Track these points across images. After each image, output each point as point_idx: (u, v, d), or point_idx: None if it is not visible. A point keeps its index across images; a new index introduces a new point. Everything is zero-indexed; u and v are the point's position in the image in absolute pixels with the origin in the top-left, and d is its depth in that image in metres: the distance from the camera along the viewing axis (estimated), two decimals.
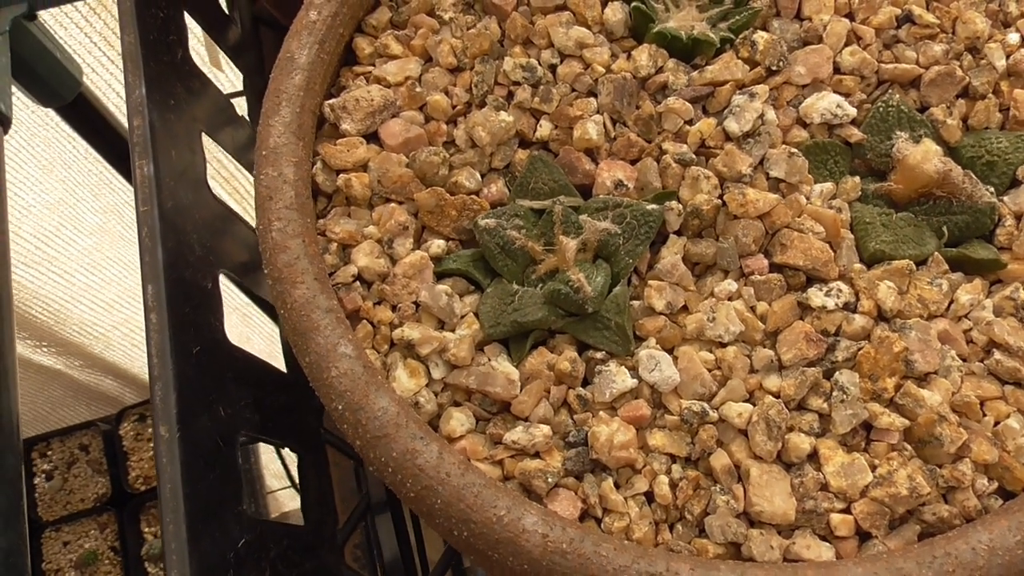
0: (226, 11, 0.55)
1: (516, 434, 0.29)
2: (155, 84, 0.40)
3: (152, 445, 1.26)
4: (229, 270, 0.42)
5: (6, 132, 0.62)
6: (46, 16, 0.66)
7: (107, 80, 0.84)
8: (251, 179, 0.53)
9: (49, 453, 1.29)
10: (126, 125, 0.90)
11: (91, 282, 1.25)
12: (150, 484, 1.19)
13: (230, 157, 0.48)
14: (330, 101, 0.35)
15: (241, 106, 0.55)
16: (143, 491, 1.15)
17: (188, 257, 0.38)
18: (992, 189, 0.32)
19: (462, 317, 0.31)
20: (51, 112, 0.89)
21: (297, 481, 0.52)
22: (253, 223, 0.47)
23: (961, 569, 0.25)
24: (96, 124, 0.81)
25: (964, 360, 0.30)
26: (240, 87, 0.58)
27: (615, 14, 0.36)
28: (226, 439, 0.36)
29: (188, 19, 0.48)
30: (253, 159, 0.50)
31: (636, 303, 0.31)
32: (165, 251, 0.36)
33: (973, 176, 0.32)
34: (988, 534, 0.25)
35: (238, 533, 0.35)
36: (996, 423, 0.29)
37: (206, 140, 0.44)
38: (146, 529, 1.15)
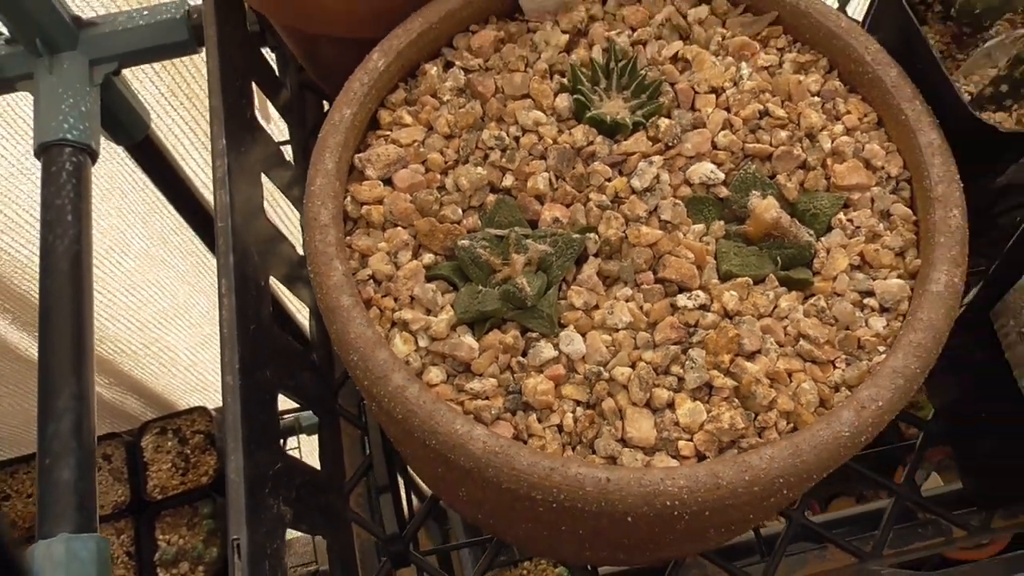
0: (279, 78, 0.71)
1: (474, 384, 0.43)
2: (232, 135, 0.55)
3: (170, 457, 1.38)
4: (276, 276, 0.57)
5: (93, 164, 0.77)
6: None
7: (169, 125, 1.00)
8: (294, 210, 0.67)
9: None
10: (183, 165, 1.07)
11: (130, 302, 1.39)
12: (166, 493, 1.29)
13: (279, 192, 0.63)
14: (359, 154, 0.49)
15: (287, 152, 0.70)
16: (159, 500, 1.23)
17: (249, 261, 0.52)
18: (813, 232, 0.46)
19: (442, 307, 0.46)
20: (116, 148, 1.04)
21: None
22: (295, 244, 0.62)
23: (751, 469, 0.38)
24: (157, 161, 0.97)
25: (781, 345, 0.44)
26: (283, 137, 0.73)
27: (562, 102, 0.50)
28: (270, 393, 0.50)
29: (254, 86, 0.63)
30: (296, 194, 0.65)
31: (562, 302, 0.45)
32: (235, 255, 0.50)
33: (798, 223, 0.46)
34: (771, 450, 0.39)
35: (275, 459, 0.49)
36: (797, 386, 0.42)
37: (264, 178, 0.59)
38: (160, 536, 1.24)
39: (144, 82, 0.93)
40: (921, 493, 0.58)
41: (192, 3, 0.78)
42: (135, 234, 1.21)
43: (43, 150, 0.72)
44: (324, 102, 0.77)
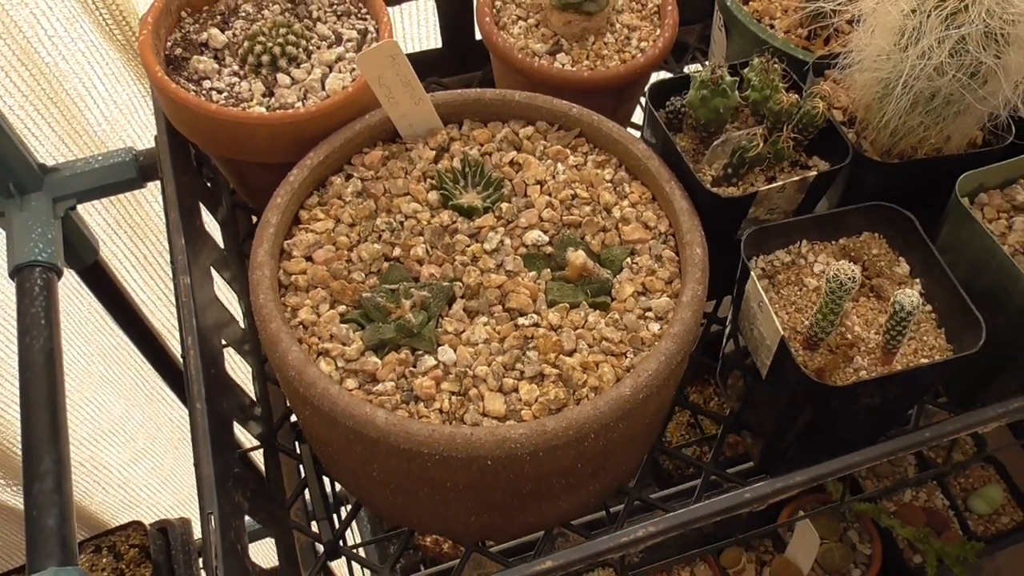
0: (217, 200, 0.90)
1: (378, 387, 0.61)
2: (188, 238, 0.73)
3: (104, 574, 1.45)
4: (225, 340, 0.74)
5: (59, 280, 0.93)
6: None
7: (114, 252, 1.16)
8: (234, 295, 0.85)
9: None
10: (127, 286, 1.25)
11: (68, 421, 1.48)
12: None
13: (224, 281, 0.81)
14: (287, 240, 0.68)
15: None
16: None
17: (208, 324, 0.69)
18: (611, 272, 0.67)
19: (353, 340, 0.64)
20: (64, 277, 1.19)
21: None
22: (239, 322, 0.79)
23: (567, 419, 0.57)
24: (104, 283, 1.12)
25: (590, 346, 0.63)
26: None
27: (433, 196, 0.71)
28: (227, 419, 0.67)
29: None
30: (237, 288, 0.82)
31: (439, 329, 0.64)
32: (196, 319, 0.68)
33: (599, 266, 0.67)
34: (581, 409, 0.58)
35: (235, 464, 0.65)
36: (601, 371, 0.62)
37: (213, 271, 0.77)
38: None
39: (95, 215, 1.11)
40: (726, 469, 0.77)
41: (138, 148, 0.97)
42: (77, 353, 1.34)
43: (17, 271, 0.88)
44: (253, 217, 0.96)
